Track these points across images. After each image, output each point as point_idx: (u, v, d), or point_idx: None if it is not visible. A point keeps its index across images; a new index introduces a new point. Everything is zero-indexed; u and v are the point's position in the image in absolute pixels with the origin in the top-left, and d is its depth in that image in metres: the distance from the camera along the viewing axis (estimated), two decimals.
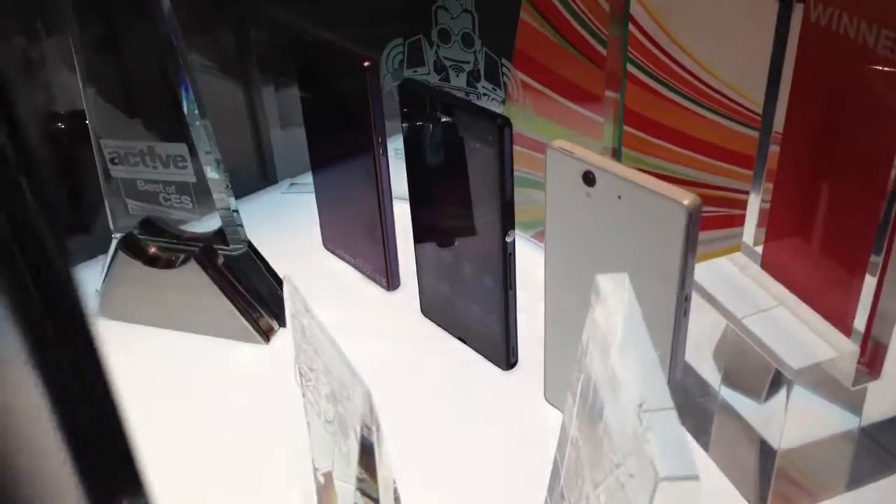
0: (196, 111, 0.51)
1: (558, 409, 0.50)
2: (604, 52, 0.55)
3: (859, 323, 0.38)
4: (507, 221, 0.48)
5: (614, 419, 0.31)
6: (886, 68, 0.34)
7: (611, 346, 0.33)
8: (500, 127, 0.45)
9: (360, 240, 0.61)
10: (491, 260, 0.50)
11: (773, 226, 0.43)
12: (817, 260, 0.40)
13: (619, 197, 0.39)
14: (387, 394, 0.53)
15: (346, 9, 0.67)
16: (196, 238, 0.57)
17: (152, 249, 0.56)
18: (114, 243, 0.58)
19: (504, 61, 0.61)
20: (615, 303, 0.33)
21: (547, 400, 0.51)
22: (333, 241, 0.65)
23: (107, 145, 0.54)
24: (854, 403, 0.41)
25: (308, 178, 0.73)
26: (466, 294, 0.53)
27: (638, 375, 0.30)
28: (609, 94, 0.55)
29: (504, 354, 0.53)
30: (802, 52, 0.38)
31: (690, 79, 0.55)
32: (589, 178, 0.40)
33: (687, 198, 0.37)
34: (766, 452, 0.41)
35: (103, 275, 0.59)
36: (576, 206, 0.42)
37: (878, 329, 0.38)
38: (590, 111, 0.57)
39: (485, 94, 0.63)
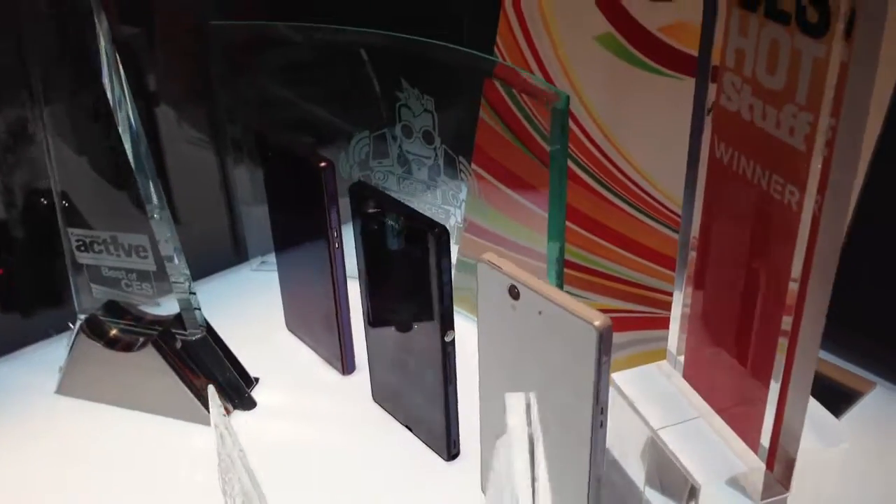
0: (156, 202, 0.53)
1: None
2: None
3: (765, 439, 0.40)
4: (446, 323, 0.50)
5: None
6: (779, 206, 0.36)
7: None
8: (438, 236, 0.47)
9: (317, 324, 0.64)
10: (431, 356, 0.52)
11: (691, 336, 0.45)
12: (728, 374, 0.42)
13: (540, 312, 0.42)
14: (331, 481, 0.55)
15: (318, 99, 0.70)
16: (156, 321, 0.59)
17: (113, 332, 0.59)
18: (78, 324, 0.60)
19: (461, 158, 0.64)
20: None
21: (484, 492, 0.53)
22: (295, 323, 0.67)
23: (73, 232, 0.56)
24: None
25: None
26: (411, 385, 0.55)
27: None
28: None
29: (446, 445, 0.55)
30: (710, 182, 0.41)
31: (631, 185, 0.57)
32: (514, 292, 0.43)
33: (598, 319, 0.39)
34: None
35: (67, 353, 0.61)
36: (503, 318, 0.44)
37: (785, 443, 0.40)
38: (538, 207, 0.60)
39: (444, 189, 0.66)
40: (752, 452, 0.42)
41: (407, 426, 0.58)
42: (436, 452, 0.56)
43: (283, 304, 0.68)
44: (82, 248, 0.57)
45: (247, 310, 0.71)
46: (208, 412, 0.58)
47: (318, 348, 0.65)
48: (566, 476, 0.43)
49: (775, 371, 0.38)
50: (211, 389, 0.38)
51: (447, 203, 0.67)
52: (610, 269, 0.60)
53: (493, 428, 0.49)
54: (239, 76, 0.68)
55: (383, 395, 0.60)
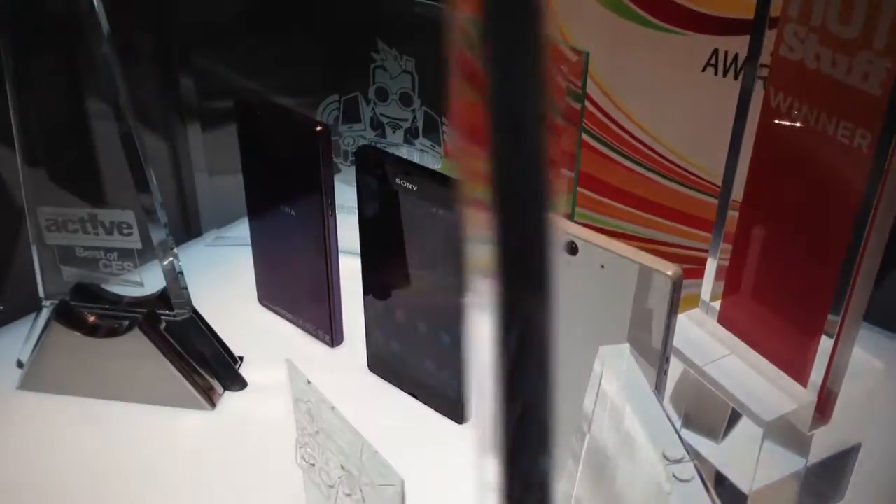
0: (148, 177, 0.49)
1: None
2: None
3: (816, 376, 0.42)
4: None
5: (631, 477, 0.34)
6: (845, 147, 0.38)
7: (623, 413, 0.35)
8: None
9: (302, 296, 0.61)
10: (449, 319, 0.51)
11: (732, 282, 0.47)
12: (774, 316, 0.44)
13: (602, 266, 0.42)
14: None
15: (280, 65, 0.66)
16: (136, 303, 0.54)
17: (91, 318, 0.53)
18: (45, 312, 0.54)
19: (445, 119, 0.62)
20: (620, 372, 0.35)
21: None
22: (271, 297, 0.64)
23: (43, 212, 0.51)
24: (803, 446, 0.45)
25: (236, 230, 0.71)
26: (420, 351, 0.54)
27: (654, 435, 0.32)
28: (564, 171, 0.57)
29: (461, 409, 0.54)
30: (762, 132, 0.42)
31: (639, 145, 0.58)
32: (572, 248, 0.43)
33: (670, 268, 0.40)
34: (736, 494, 0.45)
35: (31, 345, 0.55)
36: (559, 275, 0.44)
37: (831, 381, 0.42)
38: None
39: (423, 150, 0.64)
40: (797, 390, 0.44)
41: (411, 393, 0.57)
42: (447, 417, 0.55)
43: (257, 277, 0.64)
44: (53, 228, 0.51)
45: (211, 287, 0.66)
46: (200, 396, 0.55)
47: (300, 321, 0.63)
48: None
49: (831, 314, 0.40)
50: (289, 362, 0.36)
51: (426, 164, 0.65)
52: (619, 227, 0.61)
53: None
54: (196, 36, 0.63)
55: (381, 364, 0.58)
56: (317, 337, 0.62)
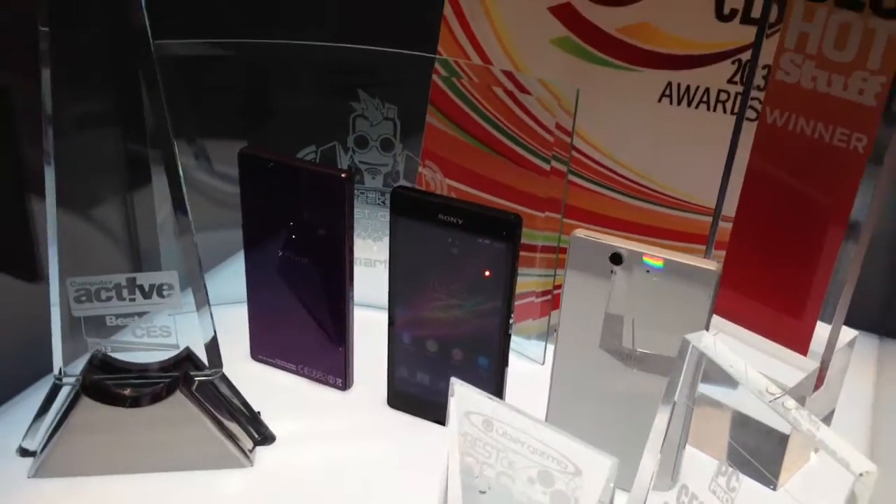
0: (191, 233, 0.49)
1: None
2: (510, 145, 0.63)
3: (817, 345, 0.50)
4: (510, 305, 0.53)
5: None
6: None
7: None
8: (515, 223, 0.51)
9: (310, 344, 0.62)
10: (489, 342, 0.55)
11: (727, 277, 0.54)
12: (775, 297, 0.52)
13: (648, 271, 0.47)
14: (389, 489, 0.54)
15: (255, 118, 0.67)
16: (163, 367, 0.53)
17: (125, 389, 0.52)
18: (65, 390, 0.52)
19: (428, 161, 0.66)
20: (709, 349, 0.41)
21: None
22: (268, 350, 0.64)
23: (73, 283, 0.49)
24: None
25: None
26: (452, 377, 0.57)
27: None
28: (549, 214, 0.62)
29: None
30: (759, 142, 0.50)
31: (606, 171, 0.65)
32: (616, 258, 0.48)
33: (712, 264, 0.46)
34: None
35: (45, 427, 0.52)
36: (597, 285, 0.49)
37: (827, 351, 0.50)
38: (489, 195, 0.64)
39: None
40: (802, 362, 0.52)
41: (441, 423, 0.59)
42: None
43: (252, 331, 0.65)
44: (84, 299, 0.50)
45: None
46: (239, 453, 0.55)
47: (305, 370, 0.63)
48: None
49: (832, 283, 0.48)
50: (453, 381, 0.38)
51: None
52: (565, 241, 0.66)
53: (570, 395, 0.53)
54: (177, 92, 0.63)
55: (404, 398, 0.60)
56: (326, 383, 0.63)
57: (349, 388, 0.63)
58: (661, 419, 0.42)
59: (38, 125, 0.45)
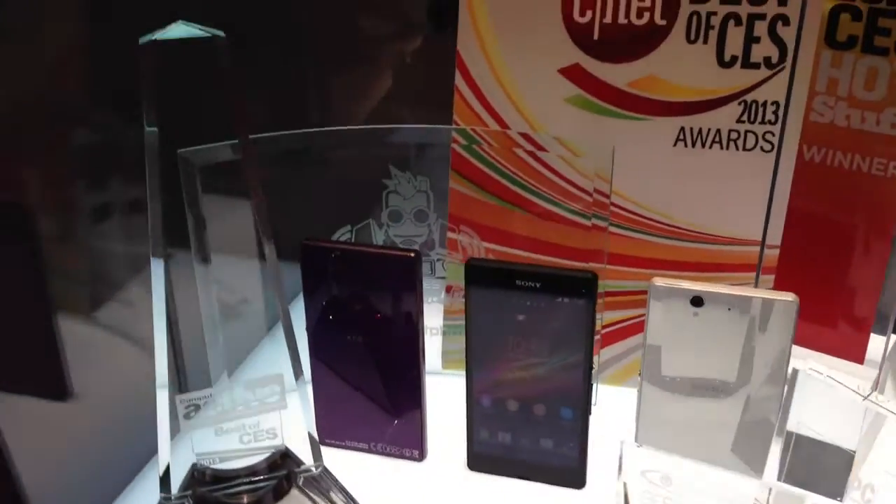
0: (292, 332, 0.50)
1: None
2: (542, 203, 0.67)
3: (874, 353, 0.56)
4: (591, 356, 0.56)
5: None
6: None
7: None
8: (591, 281, 0.54)
9: (383, 421, 0.63)
10: (571, 395, 0.58)
11: None
12: (827, 319, 0.57)
13: (729, 309, 0.52)
14: None
15: (291, 203, 0.68)
16: (271, 467, 0.54)
17: (239, 498, 0.52)
18: None
19: (463, 227, 0.69)
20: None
21: None
22: (338, 433, 0.65)
23: (183, 400, 0.49)
24: None
25: None
26: (536, 433, 0.60)
27: None
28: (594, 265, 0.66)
29: (582, 475, 0.60)
30: (798, 177, 0.55)
31: (619, 210, 0.69)
32: (697, 301, 0.52)
33: (790, 295, 0.51)
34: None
35: None
36: (682, 327, 0.53)
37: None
38: (519, 249, 0.68)
39: (439, 259, 0.70)
40: (854, 365, 0.57)
41: (524, 477, 0.62)
42: (566, 486, 0.61)
43: (319, 417, 0.65)
44: (192, 414, 0.50)
45: None
46: None
47: (379, 447, 0.64)
48: (758, 427, 0.54)
49: (883, 299, 0.54)
50: (623, 442, 0.41)
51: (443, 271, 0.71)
52: (639, 286, 0.70)
53: (658, 426, 0.57)
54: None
55: (485, 459, 0.62)
56: (402, 456, 0.64)
57: (424, 458, 0.65)
58: (776, 448, 0.46)
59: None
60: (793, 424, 0.47)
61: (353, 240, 0.69)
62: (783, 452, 0.47)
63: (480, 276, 0.56)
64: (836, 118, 0.52)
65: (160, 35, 0.42)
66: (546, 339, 0.57)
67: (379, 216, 0.69)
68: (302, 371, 0.52)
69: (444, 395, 0.64)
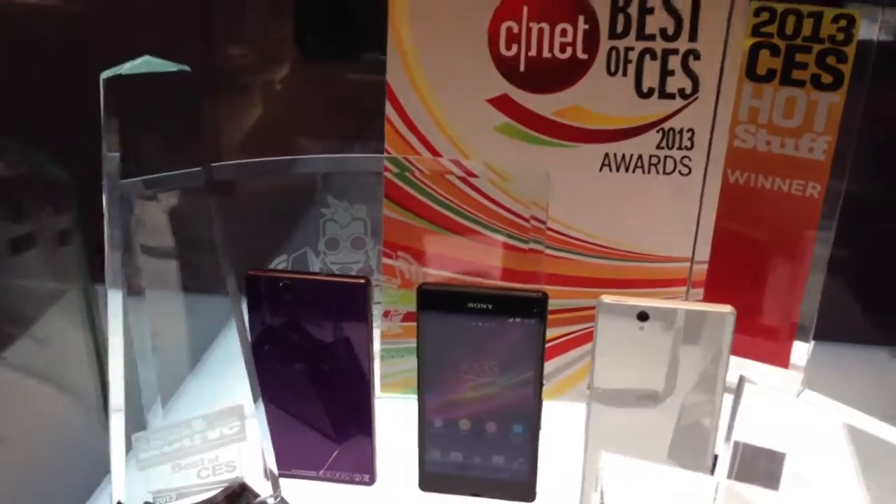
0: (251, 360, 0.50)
1: None
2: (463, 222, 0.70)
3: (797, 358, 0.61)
4: (542, 373, 0.59)
5: None
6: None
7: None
8: (543, 300, 0.56)
9: (333, 449, 0.63)
10: (522, 411, 0.59)
11: None
12: (753, 329, 0.62)
13: (673, 322, 0.55)
14: None
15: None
16: (229, 499, 0.53)
17: None
18: None
19: (401, 252, 0.70)
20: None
21: None
22: (288, 463, 0.64)
23: (140, 438, 0.48)
24: None
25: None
26: (488, 449, 0.61)
27: None
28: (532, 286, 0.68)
29: (532, 489, 0.62)
30: (724, 199, 0.60)
31: (561, 237, 0.72)
32: (643, 316, 0.55)
33: (726, 307, 0.55)
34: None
35: None
36: (627, 342, 0.56)
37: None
38: (452, 272, 0.70)
39: (377, 286, 0.71)
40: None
41: (475, 494, 0.63)
42: (517, 500, 0.63)
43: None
44: (149, 451, 0.48)
45: None
46: None
47: (328, 474, 0.64)
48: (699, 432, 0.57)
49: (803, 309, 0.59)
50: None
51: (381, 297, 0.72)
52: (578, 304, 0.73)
53: (604, 445, 0.59)
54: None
55: (437, 479, 0.63)
56: (352, 482, 0.64)
57: (374, 482, 0.65)
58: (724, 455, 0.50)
59: None
60: (738, 429, 0.51)
61: (289, 268, 0.69)
62: (732, 457, 0.51)
63: (432, 300, 0.58)
64: (758, 144, 0.57)
65: (127, 70, 0.41)
66: (497, 359, 0.59)
67: (316, 245, 0.69)
68: (261, 402, 0.51)
69: (385, 419, 0.65)
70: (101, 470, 0.64)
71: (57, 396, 0.67)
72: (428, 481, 0.64)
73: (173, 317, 0.71)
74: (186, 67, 0.43)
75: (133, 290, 0.63)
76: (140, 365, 0.64)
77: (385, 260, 0.71)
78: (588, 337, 0.75)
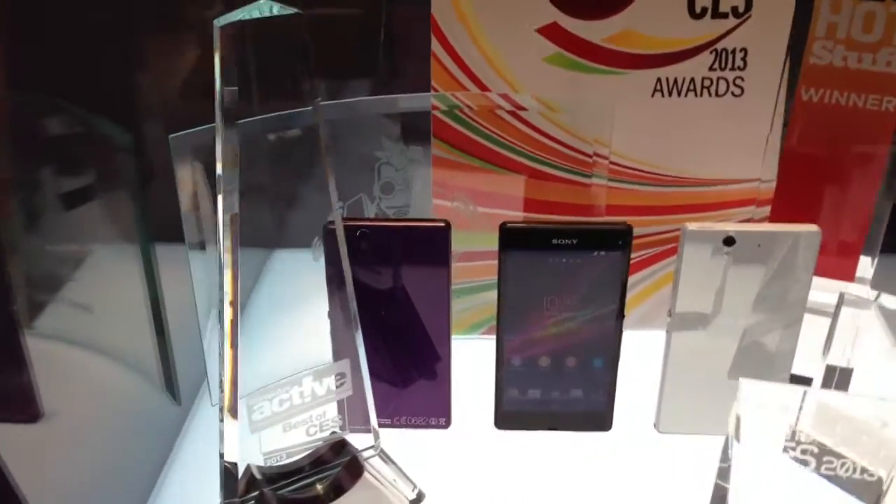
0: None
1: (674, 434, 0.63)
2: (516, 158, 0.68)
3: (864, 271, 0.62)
4: (623, 304, 0.59)
5: None
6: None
7: None
8: (627, 232, 0.56)
9: (409, 394, 0.63)
10: (603, 343, 0.60)
11: None
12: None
13: (759, 245, 0.55)
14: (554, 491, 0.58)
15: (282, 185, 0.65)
16: (335, 453, 0.52)
17: (318, 487, 0.50)
18: None
19: (458, 193, 0.68)
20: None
21: (658, 430, 0.63)
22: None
23: (251, 398, 0.47)
24: None
25: None
26: (567, 384, 0.61)
27: None
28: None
29: (609, 418, 0.63)
30: (796, 117, 0.59)
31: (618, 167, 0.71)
32: (729, 241, 0.55)
33: (814, 227, 0.55)
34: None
35: None
36: (712, 268, 0.56)
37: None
38: (510, 209, 0.69)
39: None
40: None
41: (551, 428, 0.63)
42: (595, 430, 0.63)
43: None
44: (261, 413, 0.47)
45: None
46: None
47: (404, 420, 0.64)
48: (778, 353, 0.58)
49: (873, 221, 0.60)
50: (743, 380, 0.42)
51: None
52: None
53: (683, 370, 0.60)
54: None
55: (513, 417, 0.63)
56: (428, 426, 0.64)
57: (450, 425, 0.65)
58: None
59: None
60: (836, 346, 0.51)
61: (345, 215, 0.67)
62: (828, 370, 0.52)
63: (515, 238, 0.57)
64: (834, 60, 0.56)
65: (240, 15, 0.39)
66: (580, 294, 0.58)
67: (370, 190, 0.67)
68: (364, 358, 0.50)
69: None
70: (168, 440, 0.63)
71: (113, 366, 0.65)
72: (504, 420, 0.64)
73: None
74: (299, 11, 0.41)
75: (197, 246, 0.61)
76: (203, 322, 0.62)
77: (437, 201, 0.70)
78: (644, 264, 0.75)
